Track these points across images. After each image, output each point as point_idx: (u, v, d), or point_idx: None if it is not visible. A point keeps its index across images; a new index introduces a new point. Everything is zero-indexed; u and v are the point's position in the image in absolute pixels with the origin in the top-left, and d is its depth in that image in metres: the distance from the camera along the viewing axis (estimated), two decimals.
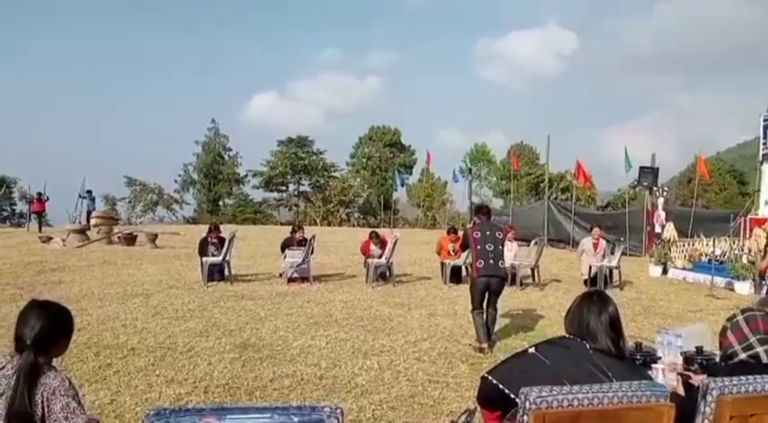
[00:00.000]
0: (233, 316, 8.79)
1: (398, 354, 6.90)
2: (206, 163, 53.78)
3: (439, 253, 13.26)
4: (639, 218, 20.44)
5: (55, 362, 2.60)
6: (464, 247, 8.02)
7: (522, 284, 12.32)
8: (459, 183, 34.33)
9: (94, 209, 25.64)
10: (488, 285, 7.37)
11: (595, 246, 12.91)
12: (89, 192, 25.88)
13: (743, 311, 2.89)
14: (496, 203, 49.41)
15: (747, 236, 15.69)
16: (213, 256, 11.98)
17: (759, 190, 17.68)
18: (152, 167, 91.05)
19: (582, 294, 2.82)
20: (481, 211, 8.03)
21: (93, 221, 22.44)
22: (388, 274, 12.43)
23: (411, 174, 56.93)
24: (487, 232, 7.48)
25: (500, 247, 7.50)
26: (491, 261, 7.33)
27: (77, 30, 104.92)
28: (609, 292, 9.54)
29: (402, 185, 48.96)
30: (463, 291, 9.74)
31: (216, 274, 11.87)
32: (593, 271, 12.59)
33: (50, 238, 18.96)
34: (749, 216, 17.19)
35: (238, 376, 5.98)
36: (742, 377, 2.48)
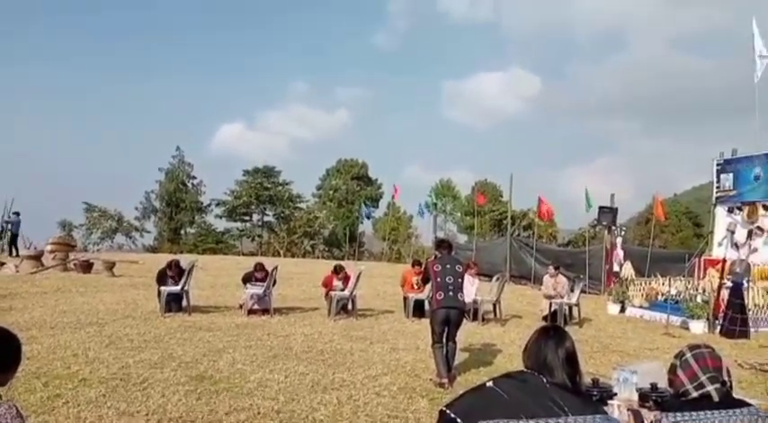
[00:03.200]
0: (190, 347, 8.55)
1: (358, 388, 6.81)
2: (169, 191, 52.65)
3: (403, 286, 13.22)
4: (599, 256, 20.81)
5: (0, 391, 2.50)
6: (425, 280, 8.07)
7: (483, 320, 12.37)
8: (424, 217, 34.78)
9: (18, 233, 22.88)
10: (448, 317, 7.39)
11: (555, 283, 13.11)
12: (16, 214, 23.12)
13: (690, 349, 2.93)
14: (461, 238, 49.67)
15: (702, 276, 16.08)
16: (172, 285, 11.70)
17: (712, 231, 18.20)
18: (113, 194, 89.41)
19: (539, 329, 2.82)
20: (442, 245, 8.18)
21: (49, 248, 21.54)
22: (350, 307, 12.38)
23: (377, 207, 56.81)
24: (447, 265, 7.55)
25: (459, 280, 7.56)
26: (450, 293, 7.37)
27: (46, 49, 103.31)
28: (568, 328, 9.63)
29: (368, 218, 48.91)
30: (426, 325, 9.42)
31: (174, 304, 11.64)
32: (552, 307, 12.74)
33: (2, 264, 18.35)
34: (703, 257, 17.64)
35: (193, 409, 5.79)
36: (693, 413, 2.52)
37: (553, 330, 2.78)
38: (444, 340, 7.42)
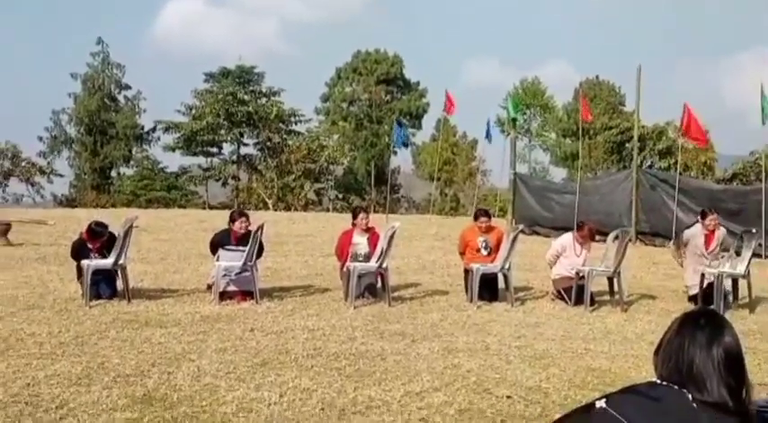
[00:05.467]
0: (130, 353, 6.75)
1: (395, 412, 5.30)
2: (89, 110, 39.49)
3: (462, 253, 9.94)
4: None
5: None
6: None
7: (593, 302, 9.21)
8: (492, 141, 23.39)
9: None
10: None
11: (708, 240, 9.36)
12: None
13: None
14: (557, 174, 40.03)
15: None
16: (98, 258, 8.90)
17: None
18: (2, 120, 65.70)
19: (682, 317, 2.15)
20: None
21: None
22: (379, 285, 9.41)
23: (420, 127, 43.07)
24: None
25: None
26: None
27: None
28: (729, 315, 7.39)
29: (406, 146, 37.11)
30: (500, 313, 8.36)
31: (104, 286, 8.91)
32: (705, 281, 9.10)
33: None
34: None
35: None
36: None
37: (705, 318, 2.13)
38: None
